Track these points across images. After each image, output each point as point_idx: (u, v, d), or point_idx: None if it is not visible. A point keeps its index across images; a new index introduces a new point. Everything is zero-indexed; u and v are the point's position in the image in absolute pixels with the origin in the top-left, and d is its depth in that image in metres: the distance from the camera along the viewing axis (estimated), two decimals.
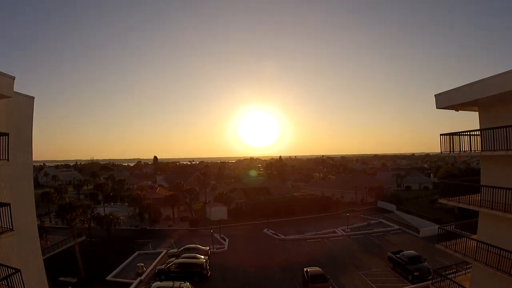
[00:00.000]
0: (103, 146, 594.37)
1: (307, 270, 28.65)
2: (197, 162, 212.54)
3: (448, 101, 15.53)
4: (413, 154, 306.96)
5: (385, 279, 29.41)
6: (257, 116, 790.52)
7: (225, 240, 44.19)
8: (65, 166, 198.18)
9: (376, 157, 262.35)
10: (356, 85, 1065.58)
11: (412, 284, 27.87)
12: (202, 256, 33.80)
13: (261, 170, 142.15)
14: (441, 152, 15.56)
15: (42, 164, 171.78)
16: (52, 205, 55.84)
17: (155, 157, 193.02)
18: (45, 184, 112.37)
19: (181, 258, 32.88)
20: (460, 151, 14.76)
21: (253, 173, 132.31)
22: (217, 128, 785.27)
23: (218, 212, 58.99)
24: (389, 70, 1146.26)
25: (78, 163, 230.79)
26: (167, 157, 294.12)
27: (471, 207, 14.51)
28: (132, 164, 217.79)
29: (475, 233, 16.11)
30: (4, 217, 11.45)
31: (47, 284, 17.56)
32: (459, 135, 14.73)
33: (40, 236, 20.84)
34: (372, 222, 53.68)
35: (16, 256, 13.67)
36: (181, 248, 37.49)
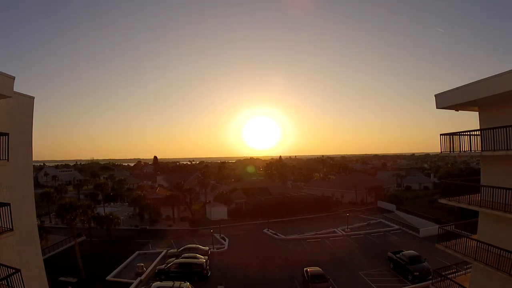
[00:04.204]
0: (103, 146, 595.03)
1: (307, 270, 28.64)
2: (197, 162, 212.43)
3: (448, 101, 15.53)
4: (413, 154, 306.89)
5: (385, 279, 29.41)
6: (258, 117, 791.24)
7: (225, 240, 44.18)
8: (65, 166, 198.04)
9: (376, 157, 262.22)
10: (356, 85, 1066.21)
11: (412, 284, 27.87)
12: (202, 256, 33.80)
13: (261, 170, 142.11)
14: (441, 152, 15.56)
15: (42, 164, 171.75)
16: (52, 205, 55.80)
17: (155, 157, 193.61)
18: (45, 184, 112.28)
19: (181, 258, 32.87)
20: (460, 151, 14.76)
21: (251, 168, 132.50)
22: (217, 129, 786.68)
23: (218, 212, 58.96)
24: (389, 70, 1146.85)
25: (78, 163, 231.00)
26: (167, 157, 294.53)
27: (471, 207, 14.51)
28: (132, 164, 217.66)
29: (475, 233, 16.10)
30: (4, 217, 11.45)
31: (47, 284, 17.58)
32: (459, 135, 14.73)
33: (40, 236, 20.85)
34: (372, 222, 53.67)
35: (16, 256, 13.68)
36: (181, 248, 37.46)
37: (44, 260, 18.38)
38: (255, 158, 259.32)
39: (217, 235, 45.05)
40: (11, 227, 11.57)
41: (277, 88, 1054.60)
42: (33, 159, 17.27)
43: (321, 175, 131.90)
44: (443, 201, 16.44)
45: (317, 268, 29.01)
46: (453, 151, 15.10)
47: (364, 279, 29.45)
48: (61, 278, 29.80)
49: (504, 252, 13.06)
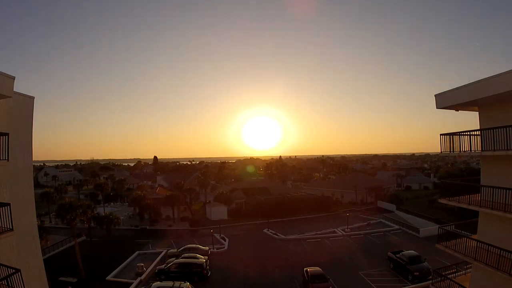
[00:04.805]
0: (103, 146, 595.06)
1: (307, 270, 28.63)
2: (197, 162, 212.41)
3: (448, 101, 15.53)
4: (413, 154, 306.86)
5: (385, 279, 29.40)
6: (258, 117, 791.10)
7: (225, 240, 44.17)
8: (65, 166, 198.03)
9: (376, 157, 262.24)
10: (356, 85, 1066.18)
11: (412, 284, 27.87)
12: (202, 256, 33.79)
13: (261, 170, 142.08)
14: (441, 152, 15.56)
15: (42, 164, 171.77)
16: (52, 205, 55.80)
17: (155, 157, 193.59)
18: (45, 184, 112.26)
19: (181, 258, 32.86)
20: (460, 151, 14.76)
21: (251, 169, 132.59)
22: (217, 129, 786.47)
23: (218, 212, 58.96)
24: (389, 70, 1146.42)
25: (78, 163, 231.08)
26: (167, 157, 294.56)
27: (471, 207, 14.51)
28: (132, 164, 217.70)
29: (475, 233, 16.10)
30: (4, 217, 11.45)
31: (47, 284, 17.57)
32: (459, 135, 14.73)
33: (40, 236, 20.85)
34: (372, 222, 53.66)
35: (16, 256, 13.68)
36: (181, 248, 37.45)
37: (44, 260, 18.37)
38: (255, 158, 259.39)
39: (217, 235, 45.04)
40: (11, 227, 11.56)
41: (277, 88, 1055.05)
42: (33, 159, 17.26)
43: (321, 175, 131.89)
44: (443, 201, 16.44)
45: (317, 268, 28.99)
46: (453, 151, 15.10)
47: (364, 279, 29.44)
48: (61, 278, 29.76)
49: (504, 252, 13.06)
